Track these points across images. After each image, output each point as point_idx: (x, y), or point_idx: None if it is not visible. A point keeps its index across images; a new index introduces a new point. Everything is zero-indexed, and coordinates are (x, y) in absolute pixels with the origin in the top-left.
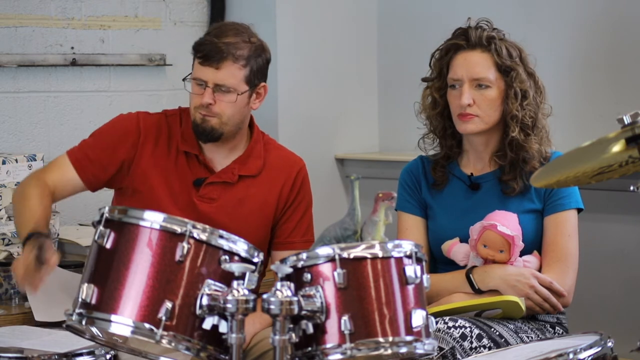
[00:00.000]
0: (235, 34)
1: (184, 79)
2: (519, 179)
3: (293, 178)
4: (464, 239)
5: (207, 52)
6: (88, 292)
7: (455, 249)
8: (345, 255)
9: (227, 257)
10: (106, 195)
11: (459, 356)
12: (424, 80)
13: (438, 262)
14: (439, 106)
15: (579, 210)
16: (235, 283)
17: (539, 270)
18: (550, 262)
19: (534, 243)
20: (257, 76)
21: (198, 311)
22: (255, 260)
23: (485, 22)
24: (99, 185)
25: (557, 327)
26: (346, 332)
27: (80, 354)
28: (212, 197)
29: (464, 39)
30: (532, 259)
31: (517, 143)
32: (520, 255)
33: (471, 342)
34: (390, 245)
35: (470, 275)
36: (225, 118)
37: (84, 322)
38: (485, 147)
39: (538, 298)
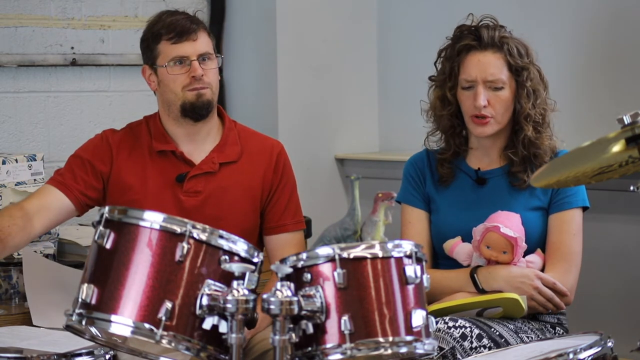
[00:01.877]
0: (183, 13)
1: (164, 66)
2: (529, 172)
3: (274, 161)
4: (468, 233)
5: (179, 29)
6: (88, 292)
7: (457, 249)
8: (345, 255)
9: (227, 257)
10: None
11: (459, 356)
12: (431, 79)
13: (440, 257)
14: (450, 105)
15: (585, 209)
16: (235, 283)
17: (542, 269)
18: (555, 262)
19: (539, 241)
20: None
21: (198, 311)
22: (255, 260)
23: (490, 19)
24: (86, 203)
25: (557, 327)
26: (346, 332)
27: (80, 354)
28: (198, 190)
29: (474, 39)
30: (535, 259)
31: (529, 140)
32: (525, 254)
33: (471, 342)
34: (390, 245)
35: (475, 275)
36: (214, 87)
37: (83, 323)
38: (493, 144)
39: (542, 299)
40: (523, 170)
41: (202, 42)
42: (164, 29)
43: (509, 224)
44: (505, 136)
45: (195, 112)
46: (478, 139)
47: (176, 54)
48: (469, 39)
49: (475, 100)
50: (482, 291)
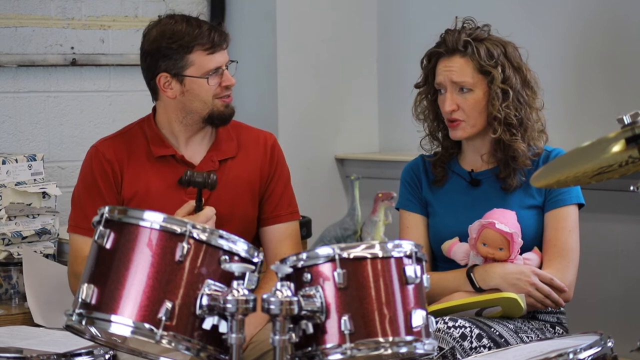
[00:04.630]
0: (195, 18)
1: (205, 77)
2: (513, 177)
3: (269, 153)
4: (465, 234)
5: (215, 38)
6: (88, 292)
7: (455, 249)
8: (345, 255)
9: (227, 257)
10: None
11: (458, 356)
12: (416, 86)
13: (438, 260)
14: (430, 111)
15: (580, 206)
16: (235, 283)
17: (540, 266)
18: (551, 258)
19: (535, 239)
20: None
21: (198, 311)
22: (255, 260)
23: (468, 22)
24: None
25: (557, 327)
26: (346, 332)
27: (79, 354)
28: None
29: (443, 46)
30: (532, 256)
31: (504, 143)
32: (521, 252)
33: (471, 342)
34: (390, 245)
35: (471, 274)
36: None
37: (83, 323)
38: (482, 145)
39: (539, 295)
40: (508, 175)
41: (226, 50)
42: (199, 39)
43: (505, 220)
44: (491, 138)
45: (222, 120)
46: (467, 141)
47: (214, 64)
48: (439, 47)
49: (443, 105)
50: (479, 290)
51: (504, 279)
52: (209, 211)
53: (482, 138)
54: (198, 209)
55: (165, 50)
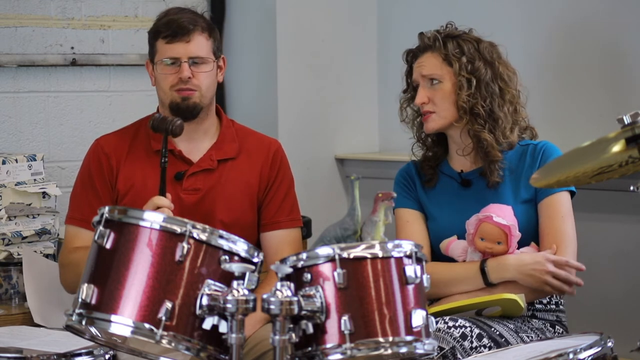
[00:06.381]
0: (189, 12)
1: (153, 62)
2: (492, 171)
3: (271, 158)
4: (462, 236)
5: (174, 29)
6: (88, 292)
7: (453, 246)
8: (345, 255)
9: (227, 257)
10: None
11: (459, 356)
12: (403, 92)
13: (436, 259)
14: (413, 114)
15: (572, 194)
16: (235, 283)
17: None
18: (549, 246)
19: (531, 233)
20: (219, 48)
21: (198, 311)
22: (255, 260)
23: (449, 25)
24: None
25: (556, 326)
26: (346, 332)
27: (80, 354)
28: (197, 188)
29: (416, 47)
30: (529, 251)
31: (473, 134)
32: (518, 248)
33: (471, 342)
34: (390, 245)
35: (485, 267)
36: (203, 90)
37: (83, 323)
38: (465, 143)
39: (557, 283)
40: (487, 169)
41: (196, 45)
42: (162, 27)
43: (502, 214)
44: (466, 133)
45: (180, 113)
46: (451, 139)
47: (169, 54)
48: (414, 49)
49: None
50: (490, 284)
51: (520, 271)
52: (157, 200)
53: (462, 134)
54: (161, 191)
55: (149, 38)
